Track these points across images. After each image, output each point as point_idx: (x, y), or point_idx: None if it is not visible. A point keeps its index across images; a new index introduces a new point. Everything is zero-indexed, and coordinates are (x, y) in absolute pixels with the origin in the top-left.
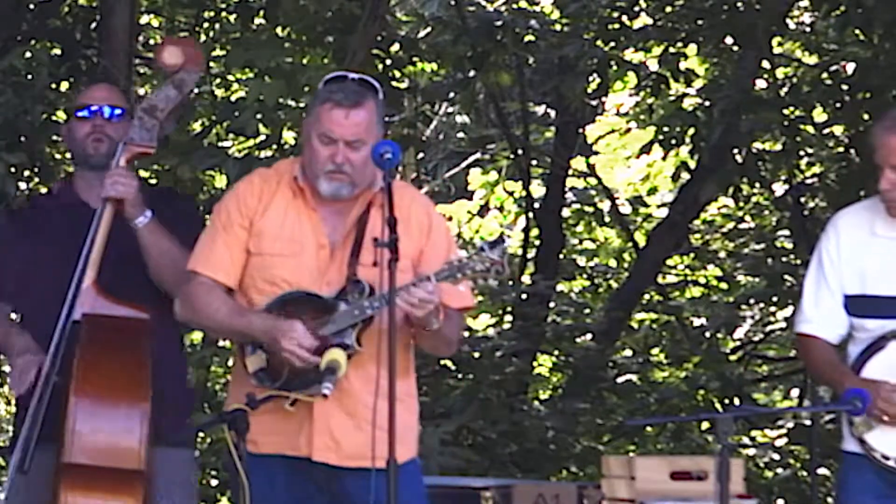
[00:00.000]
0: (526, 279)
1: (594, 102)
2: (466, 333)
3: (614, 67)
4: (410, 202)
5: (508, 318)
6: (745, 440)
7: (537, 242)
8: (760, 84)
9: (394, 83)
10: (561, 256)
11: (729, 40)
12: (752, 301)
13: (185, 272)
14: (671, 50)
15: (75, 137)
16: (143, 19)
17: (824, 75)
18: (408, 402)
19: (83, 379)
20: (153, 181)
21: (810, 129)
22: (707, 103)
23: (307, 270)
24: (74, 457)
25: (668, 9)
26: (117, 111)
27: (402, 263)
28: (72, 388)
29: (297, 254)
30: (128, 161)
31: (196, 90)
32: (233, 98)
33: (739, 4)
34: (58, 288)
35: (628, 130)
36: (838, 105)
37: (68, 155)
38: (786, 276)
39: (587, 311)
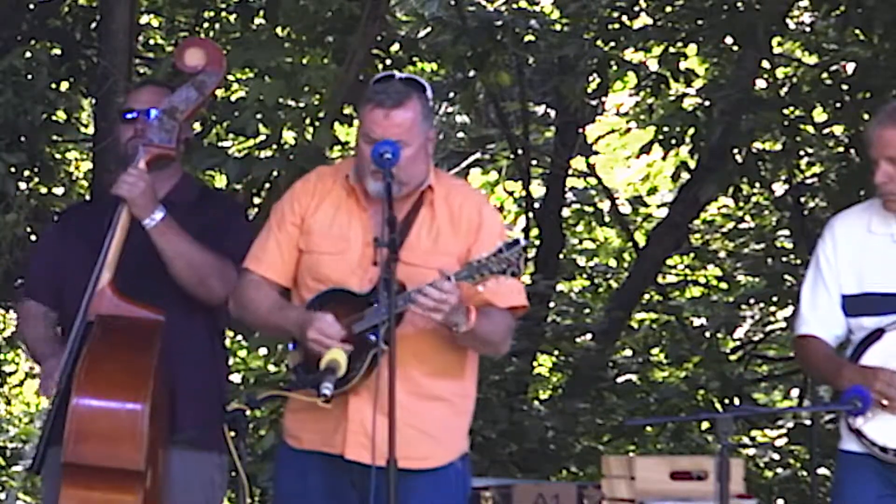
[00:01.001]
0: (526, 279)
1: (594, 102)
2: None
3: (614, 67)
4: (463, 200)
5: None
6: (745, 440)
7: (537, 242)
8: (760, 84)
9: None
10: (561, 256)
11: (729, 40)
12: (752, 301)
13: (225, 272)
14: (671, 50)
15: (119, 140)
16: (143, 19)
17: (824, 75)
18: (457, 403)
19: (85, 379)
20: None
21: (810, 128)
22: (707, 103)
23: (352, 268)
24: (74, 456)
25: (668, 9)
26: None
27: (447, 261)
28: (73, 388)
29: (343, 251)
30: (147, 163)
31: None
32: (233, 98)
33: (739, 4)
34: (84, 289)
35: (628, 130)
36: (838, 105)
37: (68, 155)
38: (786, 276)
39: (587, 310)
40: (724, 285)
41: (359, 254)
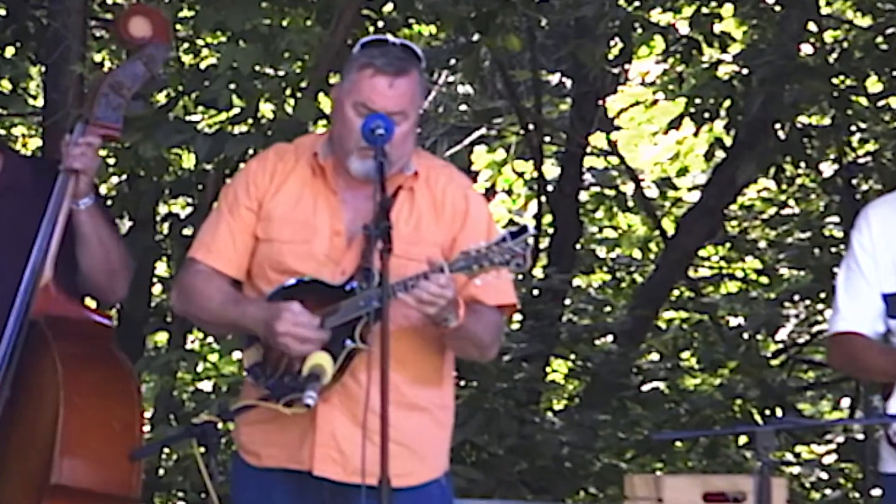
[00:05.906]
0: (538, 273)
1: (616, 70)
2: None
3: (639, 30)
4: (447, 184)
5: (518, 316)
6: (789, 457)
7: (551, 230)
8: (806, 49)
9: None
10: (578, 246)
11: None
12: (796, 298)
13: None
14: (704, 10)
15: None
16: None
17: (879, 39)
18: (437, 414)
19: (71, 393)
20: (111, 160)
21: (863, 100)
22: (745, 71)
23: (318, 259)
24: (65, 479)
25: None
26: None
27: (429, 251)
28: (61, 403)
29: (309, 240)
30: None
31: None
32: (202, 65)
33: None
34: None
35: (655, 102)
36: (895, 74)
37: (14, 131)
38: (835, 269)
39: (608, 309)
40: (764, 280)
41: (327, 243)
